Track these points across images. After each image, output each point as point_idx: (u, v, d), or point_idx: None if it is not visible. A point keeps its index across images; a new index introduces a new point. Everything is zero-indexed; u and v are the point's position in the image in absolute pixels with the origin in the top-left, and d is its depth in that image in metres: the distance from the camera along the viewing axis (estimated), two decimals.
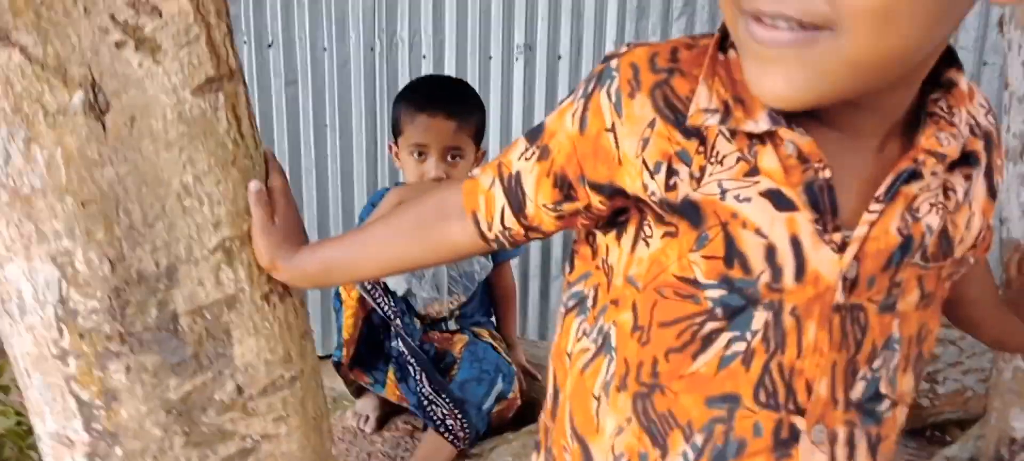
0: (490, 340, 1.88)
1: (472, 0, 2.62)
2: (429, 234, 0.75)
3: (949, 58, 0.61)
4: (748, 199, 0.59)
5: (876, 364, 0.65)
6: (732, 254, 0.60)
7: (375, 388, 1.83)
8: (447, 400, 1.69)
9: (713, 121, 0.59)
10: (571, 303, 0.74)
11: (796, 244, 0.59)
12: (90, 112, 0.69)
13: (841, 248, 0.60)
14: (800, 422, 0.64)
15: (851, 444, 0.65)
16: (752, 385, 0.63)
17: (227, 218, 0.77)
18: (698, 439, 0.65)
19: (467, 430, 1.68)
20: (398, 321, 1.74)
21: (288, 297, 0.84)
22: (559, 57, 2.69)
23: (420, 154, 1.70)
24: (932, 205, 0.62)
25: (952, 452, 1.66)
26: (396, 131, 1.76)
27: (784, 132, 0.58)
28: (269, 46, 2.61)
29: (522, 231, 0.71)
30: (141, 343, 0.75)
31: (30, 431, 1.95)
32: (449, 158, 1.71)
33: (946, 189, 0.63)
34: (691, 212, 0.61)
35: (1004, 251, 1.23)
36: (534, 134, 0.69)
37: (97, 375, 0.76)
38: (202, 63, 0.73)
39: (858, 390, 0.65)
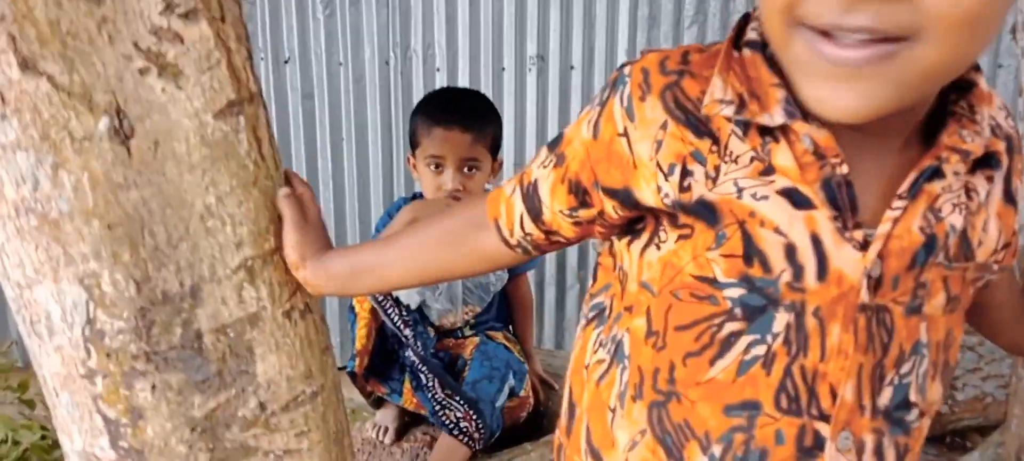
0: (503, 341, 1.89)
1: (485, 12, 2.65)
2: (464, 242, 0.76)
3: None
4: (765, 197, 0.59)
5: (904, 369, 0.63)
6: (751, 252, 0.59)
7: (392, 398, 1.84)
8: (461, 402, 1.70)
9: (728, 111, 0.59)
10: (591, 315, 0.74)
11: (817, 242, 0.58)
12: (115, 137, 0.71)
13: (863, 246, 0.59)
14: (824, 429, 0.62)
15: (879, 454, 0.64)
16: (773, 390, 0.61)
17: (249, 238, 0.79)
18: (716, 450, 0.63)
19: (482, 429, 1.69)
20: (408, 332, 1.76)
21: (309, 314, 0.86)
22: (572, 67, 2.71)
23: (437, 166, 1.72)
24: (954, 206, 0.61)
25: (972, 459, 1.65)
26: (413, 143, 1.78)
27: (800, 126, 0.58)
28: (286, 62, 2.65)
29: (543, 236, 0.72)
30: (166, 362, 0.77)
31: (55, 445, 1.98)
32: (465, 170, 1.72)
33: (968, 190, 0.62)
34: (707, 212, 0.60)
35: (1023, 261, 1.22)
36: (554, 143, 0.70)
37: (123, 393, 0.77)
38: (223, 87, 0.75)
39: (886, 397, 0.63)
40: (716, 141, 0.60)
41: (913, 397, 0.64)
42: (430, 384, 1.73)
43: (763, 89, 0.59)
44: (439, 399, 1.71)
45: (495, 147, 1.79)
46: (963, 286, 0.65)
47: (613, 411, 0.69)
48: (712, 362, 0.62)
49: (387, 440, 1.86)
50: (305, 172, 2.67)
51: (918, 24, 0.49)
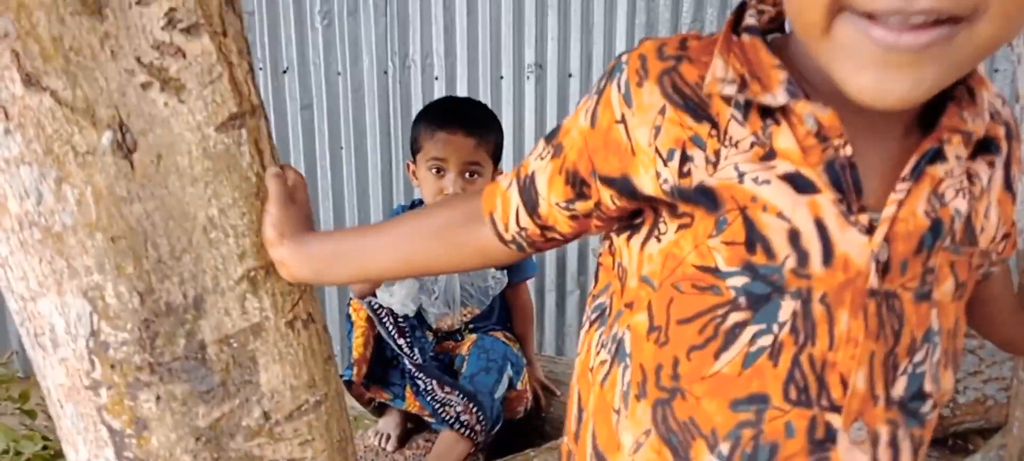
0: (501, 337, 1.90)
1: (483, 21, 2.66)
2: (453, 236, 0.75)
3: None
4: (767, 182, 0.58)
5: (918, 358, 0.61)
6: (754, 238, 0.58)
7: (395, 403, 1.85)
8: (460, 395, 1.71)
9: (730, 90, 0.58)
10: (593, 316, 0.73)
11: (821, 227, 0.57)
12: (118, 151, 0.72)
13: (869, 230, 0.58)
14: (836, 420, 0.60)
15: (895, 447, 0.62)
16: (781, 382, 0.60)
17: (252, 249, 0.79)
18: (724, 448, 0.62)
19: (482, 421, 1.71)
20: (402, 342, 1.77)
21: (312, 323, 0.86)
22: (570, 75, 2.72)
23: (439, 170, 1.73)
24: (957, 191, 0.60)
25: None
26: (415, 148, 1.79)
27: (802, 105, 0.57)
28: (284, 72, 2.66)
29: (538, 231, 0.71)
30: (170, 372, 0.77)
31: (56, 455, 1.98)
32: (467, 174, 1.73)
33: (970, 176, 0.62)
34: (707, 199, 0.59)
35: (1022, 261, 1.23)
36: (551, 135, 0.69)
37: (128, 404, 0.78)
38: (225, 101, 0.75)
39: (900, 387, 0.61)
40: (715, 125, 0.59)
41: (928, 387, 0.63)
42: (429, 387, 1.74)
43: (764, 71, 0.58)
44: (439, 398, 1.73)
45: (497, 154, 1.80)
46: (970, 272, 0.64)
47: (618, 412, 0.68)
48: (717, 355, 0.61)
49: (389, 447, 1.87)
50: None
51: (983, 2, 0.47)
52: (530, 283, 2.07)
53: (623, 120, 0.61)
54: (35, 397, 2.08)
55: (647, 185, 0.61)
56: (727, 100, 0.59)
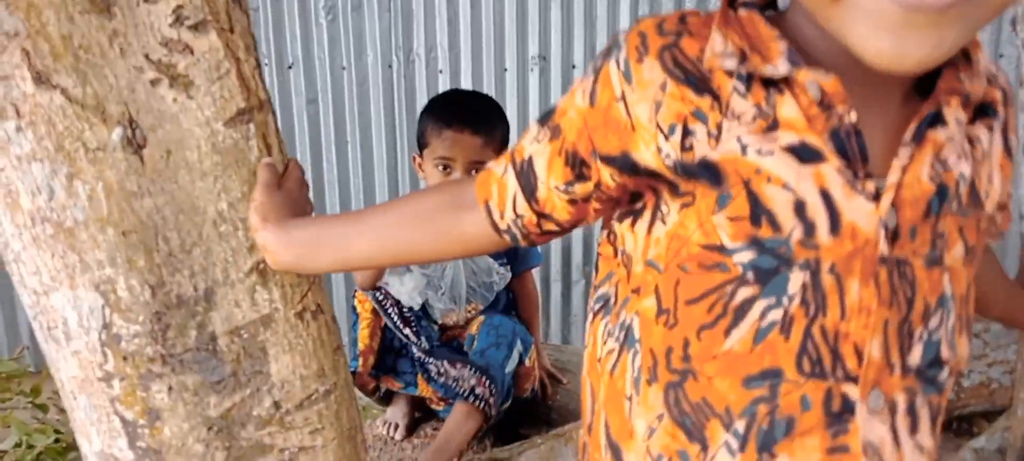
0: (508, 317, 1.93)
1: (486, 14, 2.66)
2: (439, 224, 0.73)
3: None
4: (771, 153, 0.57)
5: (933, 324, 0.61)
6: (759, 212, 0.58)
7: (409, 390, 1.87)
8: (472, 370, 1.75)
9: (730, 64, 0.58)
10: (597, 307, 0.72)
11: (826, 197, 0.57)
12: (128, 147, 0.73)
13: (875, 198, 0.57)
14: (853, 390, 0.59)
15: (913, 415, 0.61)
16: (794, 355, 0.59)
17: None
18: (740, 425, 0.61)
19: (495, 394, 1.74)
20: (408, 331, 1.80)
21: (321, 314, 0.88)
22: (573, 67, 2.72)
23: (446, 168, 1.75)
24: (959, 155, 0.60)
25: (979, 444, 1.66)
26: (421, 144, 1.80)
27: (804, 74, 0.56)
28: (290, 67, 2.67)
29: (534, 219, 0.69)
30: (182, 364, 0.79)
31: (68, 448, 2.00)
32: (474, 172, 1.74)
33: (970, 140, 0.61)
34: (710, 173, 0.59)
35: None
36: (545, 117, 0.67)
37: (140, 395, 0.79)
38: (233, 96, 0.77)
39: (916, 354, 0.61)
40: (717, 99, 0.58)
41: (945, 353, 0.62)
42: (441, 370, 1.77)
43: (763, 43, 0.58)
44: (453, 376, 1.76)
45: (503, 149, 1.81)
46: (978, 236, 0.64)
47: (629, 399, 0.67)
48: (727, 333, 0.60)
49: (397, 436, 1.89)
50: (310, 175, 2.69)
51: None
52: (535, 272, 2.08)
53: (623, 97, 0.61)
54: (47, 391, 2.11)
55: (648, 159, 0.61)
56: (729, 73, 0.58)
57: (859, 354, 0.59)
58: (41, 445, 1.99)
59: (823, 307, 0.58)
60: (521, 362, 1.83)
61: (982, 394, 1.77)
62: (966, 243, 0.62)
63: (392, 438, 1.88)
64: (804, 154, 0.57)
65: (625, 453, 0.68)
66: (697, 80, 0.59)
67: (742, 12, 0.60)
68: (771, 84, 0.58)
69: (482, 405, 1.73)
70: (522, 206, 0.69)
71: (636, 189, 0.65)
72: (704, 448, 0.63)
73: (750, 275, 0.59)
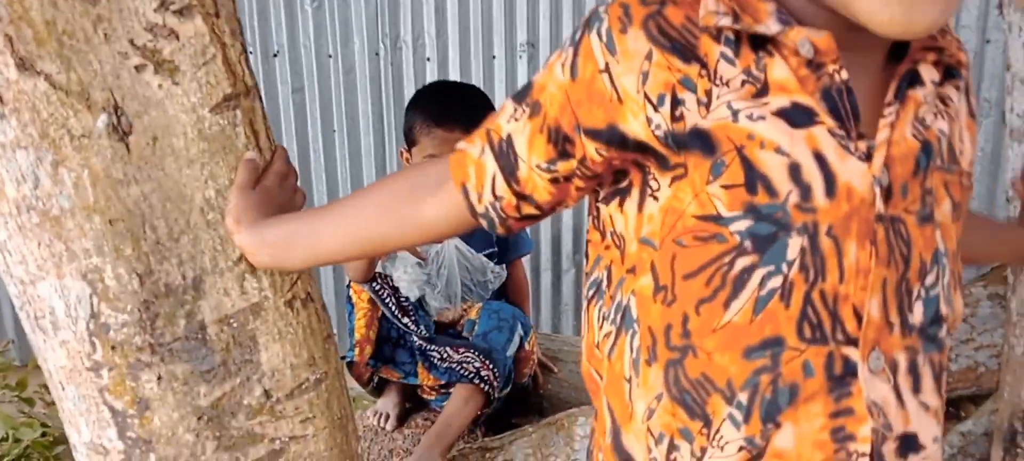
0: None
1: (474, 1, 2.65)
2: (399, 210, 0.72)
3: None
4: (762, 117, 0.58)
5: (929, 281, 0.62)
6: (754, 177, 0.58)
7: (409, 379, 1.87)
8: (476, 353, 1.75)
9: (726, 21, 0.57)
10: (590, 293, 0.72)
11: (820, 160, 0.58)
12: (114, 134, 0.72)
13: (867, 157, 0.58)
14: (853, 353, 0.60)
15: (915, 372, 0.62)
16: (794, 321, 0.59)
17: None
18: (743, 397, 0.61)
19: (498, 377, 1.74)
20: (406, 320, 1.79)
21: (310, 302, 0.87)
22: None
23: None
24: (936, 114, 0.62)
25: (966, 427, 1.68)
26: (409, 140, 1.79)
27: (796, 32, 0.57)
28: (275, 55, 2.65)
29: (514, 201, 0.67)
30: (171, 353, 0.78)
31: (55, 442, 1.99)
32: None
33: (943, 100, 0.63)
34: (702, 142, 0.59)
35: None
36: (522, 93, 0.66)
37: (129, 385, 0.79)
38: (219, 82, 0.76)
39: (918, 313, 0.61)
40: (705, 66, 0.58)
41: (943, 309, 0.63)
42: (444, 356, 1.77)
43: (751, 5, 0.58)
44: (456, 360, 1.76)
45: None
46: (962, 192, 0.65)
47: (629, 381, 0.67)
48: (726, 304, 0.60)
49: (388, 426, 1.88)
50: (297, 164, 2.66)
51: None
52: (525, 261, 2.08)
53: (607, 69, 0.60)
54: (33, 385, 2.09)
55: (637, 130, 0.60)
56: (717, 37, 0.59)
57: (858, 316, 0.60)
58: (28, 439, 1.98)
59: (822, 271, 0.59)
60: (521, 346, 1.84)
61: (969, 378, 1.79)
62: (953, 199, 0.64)
63: (383, 428, 1.88)
64: (796, 117, 0.58)
65: (624, 435, 0.68)
66: (683, 48, 0.59)
67: None
68: (760, 47, 0.58)
69: (486, 387, 1.73)
70: (502, 187, 0.67)
71: (621, 166, 0.64)
72: (707, 424, 0.62)
73: (748, 243, 0.59)
